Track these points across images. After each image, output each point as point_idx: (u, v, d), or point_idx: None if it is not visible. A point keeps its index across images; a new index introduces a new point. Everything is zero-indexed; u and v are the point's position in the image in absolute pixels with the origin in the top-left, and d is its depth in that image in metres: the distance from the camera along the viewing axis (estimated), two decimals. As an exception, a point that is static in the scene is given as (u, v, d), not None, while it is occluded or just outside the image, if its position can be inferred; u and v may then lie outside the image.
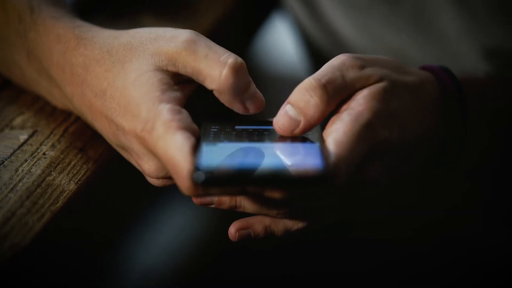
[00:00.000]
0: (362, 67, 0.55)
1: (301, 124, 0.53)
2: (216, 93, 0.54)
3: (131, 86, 0.54)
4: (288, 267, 0.87)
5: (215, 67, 0.53)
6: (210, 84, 0.54)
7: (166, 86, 0.54)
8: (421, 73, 0.59)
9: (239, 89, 0.54)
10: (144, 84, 0.54)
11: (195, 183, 0.48)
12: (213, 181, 0.48)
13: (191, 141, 0.51)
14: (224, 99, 0.54)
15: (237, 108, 0.55)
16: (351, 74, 0.54)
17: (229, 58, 0.53)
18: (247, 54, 1.17)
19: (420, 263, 0.80)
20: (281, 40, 1.30)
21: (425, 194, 0.60)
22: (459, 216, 0.79)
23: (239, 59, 0.53)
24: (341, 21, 0.81)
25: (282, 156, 0.52)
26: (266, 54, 1.37)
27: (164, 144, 0.51)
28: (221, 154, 0.51)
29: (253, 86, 0.55)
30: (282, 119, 0.53)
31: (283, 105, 0.54)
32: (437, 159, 0.59)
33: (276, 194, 0.51)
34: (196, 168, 0.48)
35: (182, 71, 0.55)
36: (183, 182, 0.50)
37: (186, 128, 0.52)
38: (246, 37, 0.93)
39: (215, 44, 0.55)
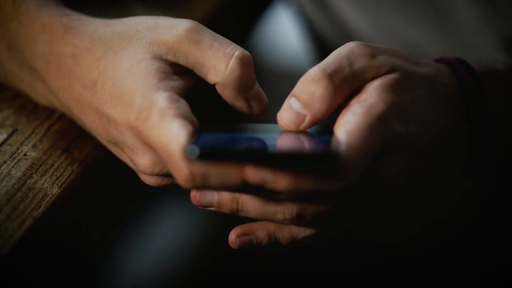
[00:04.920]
0: (372, 56, 0.54)
1: (307, 119, 0.53)
2: (219, 88, 0.54)
3: (125, 74, 0.54)
4: (287, 267, 0.88)
5: (221, 58, 0.53)
6: (214, 77, 0.54)
7: (164, 74, 0.54)
8: (435, 65, 0.58)
9: (244, 85, 0.54)
10: (139, 72, 0.53)
11: (189, 159, 0.47)
12: (209, 154, 0.47)
13: (188, 129, 0.50)
14: (228, 94, 0.54)
15: (240, 105, 0.55)
16: (360, 63, 0.53)
17: (237, 50, 0.54)
18: (247, 47, 1.17)
19: (421, 263, 0.81)
20: (283, 31, 1.30)
21: (432, 194, 0.59)
22: (460, 215, 0.79)
23: (247, 52, 0.54)
24: (350, 10, 0.81)
25: (287, 139, 0.51)
26: (268, 46, 1.37)
27: (159, 132, 0.51)
28: (220, 137, 0.51)
29: (258, 85, 0.55)
30: (286, 114, 0.53)
31: (288, 98, 0.54)
32: (459, 159, 0.58)
33: (281, 184, 0.50)
34: (189, 143, 0.48)
35: (182, 61, 0.55)
36: (180, 171, 0.49)
37: (184, 117, 0.51)
38: (245, 29, 0.93)
39: (219, 35, 0.55)
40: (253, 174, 0.49)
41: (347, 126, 0.51)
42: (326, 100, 0.52)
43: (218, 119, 0.57)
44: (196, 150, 0.47)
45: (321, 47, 0.88)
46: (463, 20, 0.75)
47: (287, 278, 0.87)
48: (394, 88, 0.53)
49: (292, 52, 1.31)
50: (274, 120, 0.59)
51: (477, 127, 0.58)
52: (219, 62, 0.53)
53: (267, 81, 1.30)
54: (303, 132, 0.53)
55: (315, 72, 0.53)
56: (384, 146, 0.52)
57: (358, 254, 0.85)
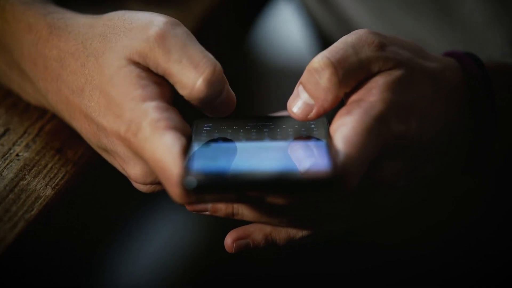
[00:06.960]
0: (380, 46, 0.53)
1: (314, 109, 0.52)
2: (186, 97, 0.54)
3: (109, 86, 0.53)
4: (286, 268, 0.89)
5: (188, 75, 0.52)
6: (180, 90, 0.53)
7: (146, 80, 0.53)
8: (443, 59, 0.58)
9: (211, 98, 0.53)
10: (121, 83, 0.53)
11: (186, 190, 0.47)
12: (206, 187, 0.47)
13: (181, 142, 0.50)
14: (194, 103, 0.54)
15: (207, 112, 0.55)
16: (367, 52, 0.53)
17: (206, 69, 0.52)
18: (247, 42, 1.17)
19: (419, 263, 0.81)
20: (286, 27, 1.29)
21: (433, 193, 0.59)
22: (460, 215, 0.79)
23: (217, 68, 0.53)
24: (354, 6, 0.80)
25: (284, 157, 0.51)
26: (270, 42, 1.36)
27: (151, 146, 0.50)
28: (215, 156, 0.50)
29: (226, 88, 0.54)
30: (294, 103, 0.53)
31: (297, 85, 0.53)
32: (460, 157, 0.58)
33: (278, 200, 0.50)
34: (186, 173, 0.47)
35: (153, 69, 0.54)
36: (173, 189, 0.49)
37: (176, 128, 0.51)
38: (245, 25, 0.93)
39: (191, 42, 0.53)
40: (250, 193, 0.49)
41: (344, 131, 0.50)
42: (330, 91, 0.52)
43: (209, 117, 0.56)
44: (194, 182, 0.46)
45: (324, 43, 0.88)
46: (470, 16, 0.75)
47: (286, 279, 0.88)
48: (396, 87, 0.53)
49: (295, 49, 1.30)
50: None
51: (481, 123, 0.57)
52: (187, 79, 0.52)
53: (268, 79, 1.30)
54: (299, 135, 0.53)
55: (318, 60, 0.52)
56: (383, 147, 0.52)
57: (357, 255, 0.86)
